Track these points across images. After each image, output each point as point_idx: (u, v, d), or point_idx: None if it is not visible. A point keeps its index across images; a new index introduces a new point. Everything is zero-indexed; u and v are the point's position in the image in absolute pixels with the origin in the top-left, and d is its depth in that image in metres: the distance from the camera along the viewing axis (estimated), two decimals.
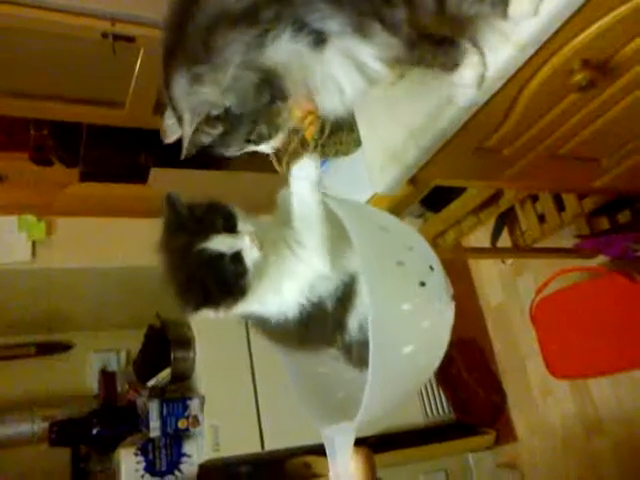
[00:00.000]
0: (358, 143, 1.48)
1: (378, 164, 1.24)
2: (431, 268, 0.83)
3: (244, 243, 0.78)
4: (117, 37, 2.20)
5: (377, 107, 1.20)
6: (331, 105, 0.84)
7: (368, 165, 1.28)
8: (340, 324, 0.82)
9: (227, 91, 0.79)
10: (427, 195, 1.38)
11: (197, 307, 0.78)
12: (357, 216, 0.80)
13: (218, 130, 0.83)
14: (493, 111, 1.05)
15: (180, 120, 0.83)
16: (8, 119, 2.77)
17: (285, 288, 0.81)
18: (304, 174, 0.81)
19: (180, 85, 0.80)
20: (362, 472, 0.80)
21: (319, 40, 0.77)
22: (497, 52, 0.93)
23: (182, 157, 0.84)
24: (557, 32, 0.89)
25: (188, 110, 0.81)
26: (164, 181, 2.64)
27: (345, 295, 0.81)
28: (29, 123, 2.85)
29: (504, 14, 0.87)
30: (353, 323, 0.81)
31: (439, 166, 1.19)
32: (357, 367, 0.86)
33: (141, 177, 2.75)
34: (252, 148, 0.89)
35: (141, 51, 2.25)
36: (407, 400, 0.81)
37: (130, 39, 2.23)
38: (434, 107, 1.06)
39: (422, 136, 1.10)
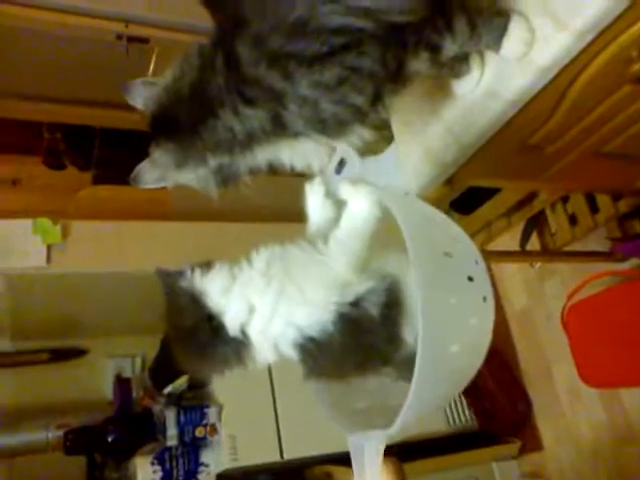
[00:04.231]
0: (389, 141, 1.43)
1: (413, 163, 1.18)
2: (476, 262, 0.78)
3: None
4: (131, 39, 2.18)
5: (413, 102, 1.14)
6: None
7: (401, 164, 1.22)
8: (394, 337, 0.76)
9: (196, 181, 0.88)
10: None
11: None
12: (402, 203, 0.75)
13: None
14: (540, 105, 0.99)
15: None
16: (21, 123, 2.74)
17: (310, 294, 0.74)
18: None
19: (163, 159, 0.85)
20: None
21: (297, 135, 0.85)
22: (551, 40, 0.87)
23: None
24: (617, 19, 0.84)
25: (155, 180, 0.87)
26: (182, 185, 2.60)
27: (391, 302, 0.75)
28: (42, 127, 2.83)
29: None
30: (409, 336, 0.76)
31: (478, 165, 1.13)
32: (408, 381, 0.81)
33: None
34: None
35: (155, 52, 2.22)
36: (442, 406, 0.76)
37: (144, 40, 2.20)
38: (476, 101, 1.01)
39: (463, 133, 1.05)
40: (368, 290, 0.74)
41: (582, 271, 2.09)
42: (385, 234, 0.78)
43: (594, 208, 1.79)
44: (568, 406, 2.36)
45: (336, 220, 0.79)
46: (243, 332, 0.75)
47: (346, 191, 0.78)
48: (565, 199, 1.89)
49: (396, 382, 0.86)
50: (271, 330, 0.74)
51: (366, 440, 0.73)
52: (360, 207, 0.76)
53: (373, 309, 0.74)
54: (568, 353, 2.00)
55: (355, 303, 0.73)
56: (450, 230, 0.80)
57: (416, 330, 0.74)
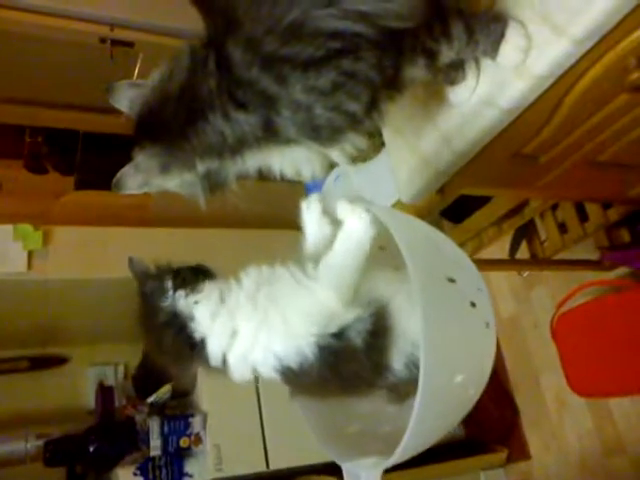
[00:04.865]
0: (378, 149, 1.41)
1: (405, 170, 1.16)
2: (479, 289, 0.76)
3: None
4: (115, 42, 2.15)
5: (406, 110, 1.12)
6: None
7: (393, 172, 1.20)
8: (380, 365, 0.73)
9: (181, 187, 0.85)
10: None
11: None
12: (402, 223, 0.73)
13: None
14: (536, 113, 0.97)
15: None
16: (2, 126, 2.69)
17: (292, 324, 0.72)
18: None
19: (147, 164, 0.81)
20: None
21: (289, 141, 0.82)
22: (549, 47, 0.85)
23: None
24: (616, 26, 0.82)
25: (139, 186, 0.84)
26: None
27: (377, 330, 0.72)
28: (24, 130, 2.78)
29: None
30: (397, 363, 0.73)
31: (472, 173, 1.11)
32: (399, 403, 0.78)
33: None
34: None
35: (140, 56, 2.19)
36: (440, 437, 0.73)
37: (129, 44, 2.17)
38: (472, 109, 0.99)
39: (458, 141, 1.02)
40: (353, 319, 0.71)
41: (569, 279, 2.08)
42: (374, 252, 0.75)
43: (584, 216, 1.78)
44: (556, 414, 2.35)
45: (332, 239, 0.76)
46: (224, 359, 0.73)
47: (342, 210, 0.75)
48: (554, 207, 1.88)
49: (387, 405, 0.83)
50: (251, 357, 0.72)
51: (362, 470, 0.71)
52: (355, 228, 0.72)
53: (357, 339, 0.71)
54: (555, 361, 1.98)
55: (338, 334, 0.70)
56: (451, 252, 0.77)
57: (406, 356, 0.72)
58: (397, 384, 0.74)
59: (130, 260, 0.81)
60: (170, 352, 0.76)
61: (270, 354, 0.71)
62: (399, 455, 0.63)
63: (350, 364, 0.72)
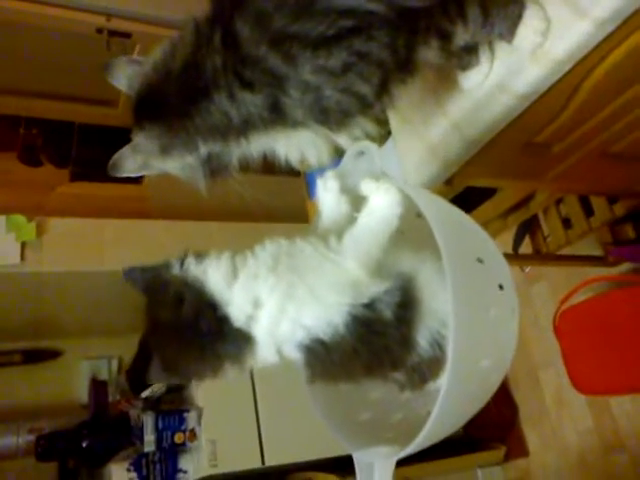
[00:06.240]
0: (384, 138, 1.38)
1: (413, 160, 1.13)
2: (504, 270, 0.74)
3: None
4: (112, 33, 2.12)
5: (415, 96, 1.09)
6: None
7: (400, 161, 1.17)
8: (408, 340, 0.70)
9: (182, 170, 0.82)
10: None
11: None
12: (431, 203, 0.70)
13: None
14: (553, 99, 0.94)
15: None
16: None
17: (321, 294, 0.69)
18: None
19: (147, 144, 0.79)
20: None
21: (295, 124, 0.79)
22: (569, 30, 0.82)
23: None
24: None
25: (137, 168, 0.82)
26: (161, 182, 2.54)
27: (406, 302, 0.70)
28: (19, 122, 2.75)
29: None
30: (422, 339, 0.70)
31: (481, 163, 1.08)
32: (416, 389, 0.76)
33: (134, 177, 2.66)
34: None
35: (137, 48, 2.17)
36: (459, 426, 0.71)
37: (126, 35, 2.15)
38: (484, 95, 0.96)
39: (469, 128, 0.99)
40: (382, 291, 0.69)
41: (570, 275, 2.06)
42: (394, 235, 0.73)
43: (589, 211, 1.75)
44: (555, 411, 2.33)
45: (351, 217, 0.73)
46: (249, 325, 0.69)
47: (368, 187, 0.72)
48: (558, 202, 1.85)
49: (402, 392, 0.81)
50: (279, 330, 0.68)
51: (374, 458, 0.68)
52: (382, 204, 0.70)
53: (387, 311, 0.69)
54: (555, 358, 1.97)
55: (369, 305, 0.68)
56: (479, 234, 0.75)
57: (431, 333, 0.69)
58: (420, 364, 0.72)
59: (124, 270, 0.75)
60: (190, 321, 0.70)
61: (298, 326, 0.68)
62: (418, 443, 0.60)
63: (381, 337, 0.70)
